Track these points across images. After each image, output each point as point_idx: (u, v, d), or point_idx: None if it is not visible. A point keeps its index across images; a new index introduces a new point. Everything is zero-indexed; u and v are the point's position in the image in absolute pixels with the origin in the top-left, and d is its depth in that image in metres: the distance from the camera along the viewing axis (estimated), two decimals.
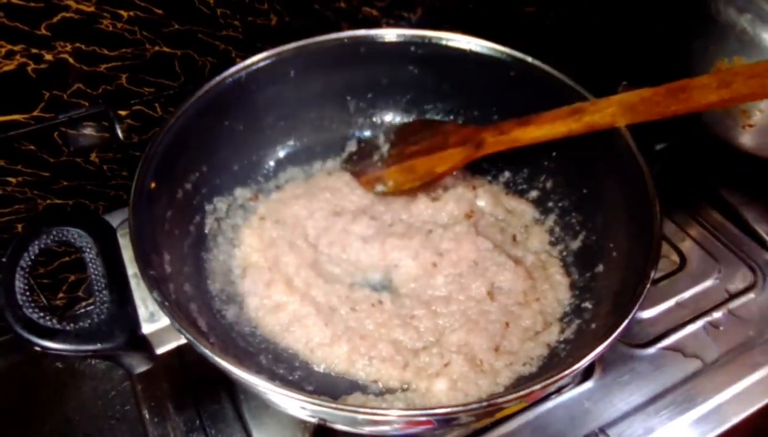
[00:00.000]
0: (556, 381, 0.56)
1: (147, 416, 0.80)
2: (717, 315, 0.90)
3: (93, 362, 0.88)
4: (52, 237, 0.64)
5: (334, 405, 0.56)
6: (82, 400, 0.84)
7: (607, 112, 0.73)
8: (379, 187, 0.89)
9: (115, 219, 0.70)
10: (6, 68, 0.73)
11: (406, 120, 0.96)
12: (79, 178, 0.87)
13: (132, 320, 0.62)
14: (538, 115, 0.78)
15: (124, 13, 0.77)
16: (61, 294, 0.97)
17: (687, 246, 0.99)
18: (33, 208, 0.86)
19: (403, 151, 0.89)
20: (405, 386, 0.72)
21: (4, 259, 0.62)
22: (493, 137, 0.81)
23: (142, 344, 0.63)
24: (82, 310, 0.96)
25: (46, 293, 0.95)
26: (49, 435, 0.82)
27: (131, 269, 0.65)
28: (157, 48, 0.82)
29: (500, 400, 0.57)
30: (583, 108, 0.75)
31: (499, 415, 0.77)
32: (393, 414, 0.58)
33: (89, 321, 0.60)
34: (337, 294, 0.78)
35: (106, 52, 0.79)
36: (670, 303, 0.92)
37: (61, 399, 0.84)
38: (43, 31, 0.73)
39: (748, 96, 0.67)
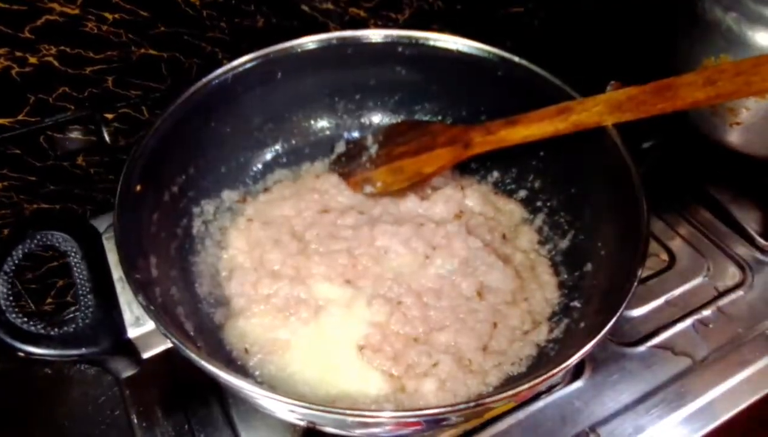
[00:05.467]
0: (544, 381, 0.56)
1: (135, 421, 0.79)
2: (706, 312, 0.90)
3: (82, 367, 0.87)
4: (36, 241, 0.63)
5: (323, 408, 0.56)
6: (72, 406, 0.84)
7: (594, 110, 0.73)
8: (368, 188, 0.89)
9: (102, 223, 0.69)
10: None
11: (394, 121, 0.96)
12: (65, 182, 0.87)
13: (117, 324, 0.61)
14: (526, 115, 0.78)
15: (109, 16, 0.77)
16: (49, 300, 0.96)
17: (676, 244, 0.99)
18: (19, 212, 0.85)
19: (391, 151, 0.89)
20: (394, 385, 0.72)
21: None
22: (480, 137, 0.81)
23: (127, 348, 0.62)
24: (71, 315, 0.96)
25: (34, 298, 0.94)
26: None
27: (117, 273, 0.64)
28: (143, 50, 0.82)
29: (489, 400, 0.57)
30: (570, 107, 0.75)
31: (488, 415, 0.77)
32: (382, 415, 0.58)
33: (74, 325, 0.60)
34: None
35: (91, 54, 0.78)
36: (659, 301, 0.92)
37: (50, 405, 0.84)
38: (27, 34, 0.73)
39: (733, 93, 0.68)
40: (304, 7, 0.89)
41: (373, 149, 0.91)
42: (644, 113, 0.71)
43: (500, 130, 0.80)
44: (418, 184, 0.88)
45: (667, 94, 0.69)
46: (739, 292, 0.93)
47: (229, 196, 0.87)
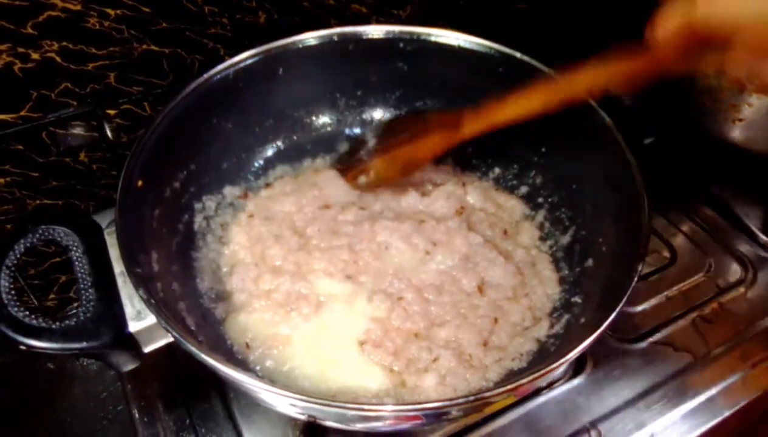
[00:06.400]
0: (543, 376, 0.56)
1: (137, 416, 0.79)
2: (707, 309, 0.90)
3: (85, 363, 0.88)
4: (38, 236, 0.63)
5: (324, 402, 0.56)
6: (74, 401, 0.84)
7: (582, 80, 0.71)
8: (362, 179, 0.89)
9: (104, 218, 0.69)
10: None
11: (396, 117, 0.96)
12: (68, 177, 0.87)
13: (118, 318, 0.62)
14: (515, 93, 0.76)
15: (111, 12, 0.77)
16: (52, 295, 0.97)
17: (678, 240, 0.99)
18: (22, 208, 0.86)
19: (388, 143, 0.89)
20: (395, 380, 0.72)
21: None
22: (471, 118, 0.80)
23: (129, 342, 0.62)
24: (74, 311, 0.96)
25: (37, 294, 0.94)
26: (41, 436, 0.82)
27: (118, 267, 0.64)
28: (145, 46, 0.82)
29: (488, 395, 0.57)
30: (557, 80, 0.75)
31: (488, 410, 0.78)
32: (383, 409, 0.58)
33: (75, 319, 0.60)
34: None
35: (93, 50, 0.79)
36: (660, 297, 0.92)
37: (53, 400, 0.84)
38: (30, 30, 0.73)
39: None
40: (306, 3, 0.90)
41: (372, 143, 0.91)
42: (633, 86, 0.68)
43: (490, 110, 0.78)
44: (414, 171, 0.87)
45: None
46: (741, 289, 0.93)
47: (230, 191, 0.88)
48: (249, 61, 0.83)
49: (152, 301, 0.59)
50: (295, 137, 0.93)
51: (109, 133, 0.83)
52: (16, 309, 0.58)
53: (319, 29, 0.86)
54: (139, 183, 0.69)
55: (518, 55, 0.85)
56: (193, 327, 0.69)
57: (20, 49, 0.74)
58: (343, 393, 0.70)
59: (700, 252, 0.98)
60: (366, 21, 0.96)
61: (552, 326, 0.75)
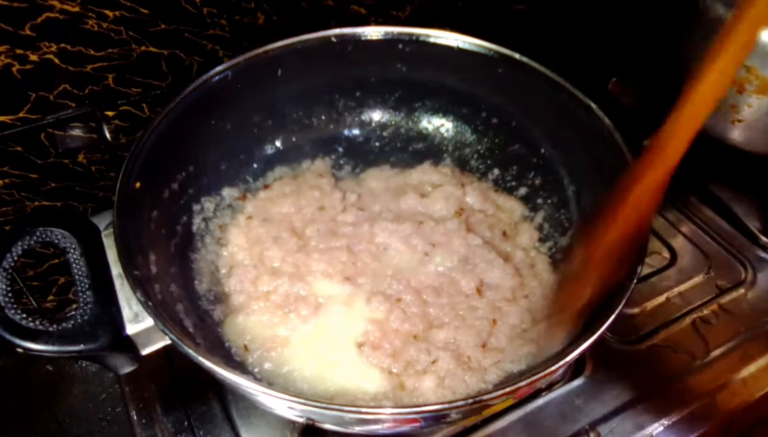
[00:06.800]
0: (541, 378, 0.56)
1: (135, 418, 0.79)
2: (707, 310, 0.90)
3: (83, 364, 0.88)
4: (35, 238, 0.63)
5: (321, 405, 0.56)
6: (73, 403, 0.84)
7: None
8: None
9: (103, 220, 0.69)
10: None
11: (394, 118, 0.96)
12: (67, 179, 0.87)
13: (116, 321, 0.61)
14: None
15: (110, 13, 0.77)
16: (51, 297, 0.97)
17: (677, 242, 0.99)
18: (21, 209, 0.86)
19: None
20: (393, 382, 0.72)
21: None
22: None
23: (126, 345, 0.62)
24: (72, 314, 0.96)
25: (36, 295, 0.94)
26: None
27: (116, 270, 0.64)
28: (143, 48, 0.82)
29: (487, 397, 0.56)
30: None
31: (487, 412, 0.77)
32: (381, 412, 0.58)
33: (73, 322, 0.60)
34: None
35: (92, 52, 0.79)
36: (660, 298, 0.91)
37: (51, 402, 0.84)
38: (28, 32, 0.73)
39: None
40: (305, 4, 0.89)
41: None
42: None
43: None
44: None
45: None
46: (741, 290, 0.93)
47: (229, 193, 0.88)
48: (248, 63, 0.82)
49: (150, 303, 0.59)
50: (293, 138, 0.93)
51: (107, 135, 0.83)
52: (13, 311, 0.58)
53: (318, 30, 0.86)
54: (138, 184, 0.69)
55: (517, 56, 0.85)
56: (191, 329, 0.68)
57: (18, 51, 0.74)
58: (341, 396, 0.70)
59: (700, 253, 0.98)
60: (365, 22, 0.96)
61: None
